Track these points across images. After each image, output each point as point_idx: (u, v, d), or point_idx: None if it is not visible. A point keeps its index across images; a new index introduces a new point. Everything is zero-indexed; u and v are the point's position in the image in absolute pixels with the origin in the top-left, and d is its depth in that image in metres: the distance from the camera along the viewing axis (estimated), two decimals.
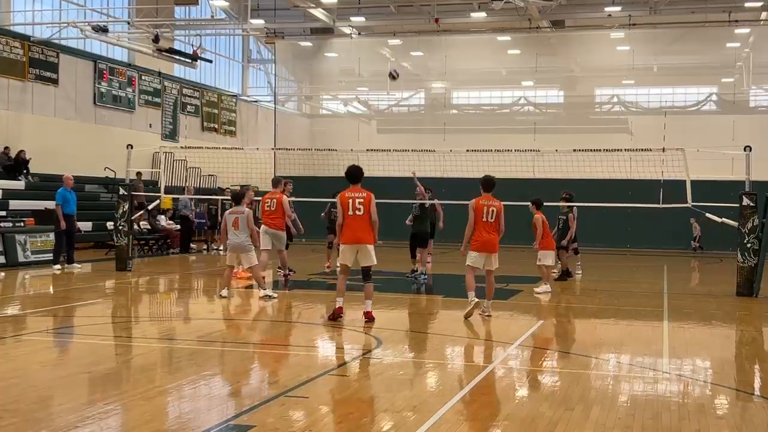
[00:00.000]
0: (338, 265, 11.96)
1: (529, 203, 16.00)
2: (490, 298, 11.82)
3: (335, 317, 11.05)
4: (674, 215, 26.35)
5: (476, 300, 11.45)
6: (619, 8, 30.21)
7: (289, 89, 37.47)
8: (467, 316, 11.40)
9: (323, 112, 38.49)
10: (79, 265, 18.54)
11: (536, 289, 15.21)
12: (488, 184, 11.84)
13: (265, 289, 13.55)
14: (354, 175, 11.38)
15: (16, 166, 23.83)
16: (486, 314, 11.65)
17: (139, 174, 24.68)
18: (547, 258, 15.54)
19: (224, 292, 13.68)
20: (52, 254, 18.59)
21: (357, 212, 11.04)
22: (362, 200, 11.08)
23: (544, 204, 16.03)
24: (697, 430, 6.29)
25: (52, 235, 19.92)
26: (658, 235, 28.65)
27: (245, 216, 13.62)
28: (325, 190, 18.87)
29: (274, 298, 13.44)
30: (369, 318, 11.01)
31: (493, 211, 11.54)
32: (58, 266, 18.10)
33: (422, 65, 35.52)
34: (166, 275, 18.76)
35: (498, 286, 16.08)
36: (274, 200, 15.11)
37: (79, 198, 25.12)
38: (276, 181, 15.92)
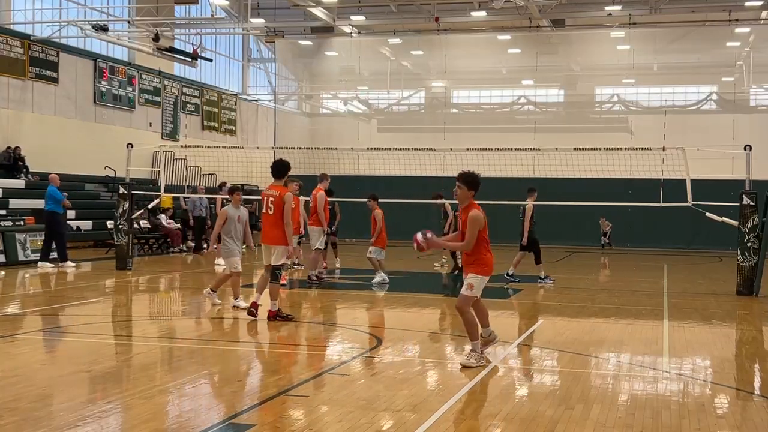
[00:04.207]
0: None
1: (367, 199, 16.31)
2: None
3: (252, 311, 11.10)
4: (674, 214, 26.39)
5: (487, 357, 8.69)
6: (619, 7, 30.22)
7: (289, 88, 37.46)
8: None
9: (323, 111, 38.48)
10: (74, 264, 18.50)
11: (375, 281, 15.67)
12: (477, 183, 8.78)
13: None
14: (276, 169, 11.18)
15: (14, 163, 23.81)
16: (494, 342, 9.11)
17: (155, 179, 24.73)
18: (379, 253, 15.96)
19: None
20: (42, 253, 18.53)
21: (268, 211, 11.00)
22: (274, 199, 11.00)
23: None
24: (698, 429, 6.28)
25: None
26: (658, 234, 28.65)
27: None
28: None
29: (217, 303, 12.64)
30: (271, 317, 11.04)
31: (486, 223, 8.67)
32: (50, 264, 18.17)
33: (422, 64, 35.50)
34: (166, 274, 18.76)
35: (497, 285, 16.16)
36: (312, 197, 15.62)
37: (79, 197, 25.25)
38: (322, 178, 16.14)
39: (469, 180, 8.75)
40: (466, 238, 8.47)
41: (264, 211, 11.09)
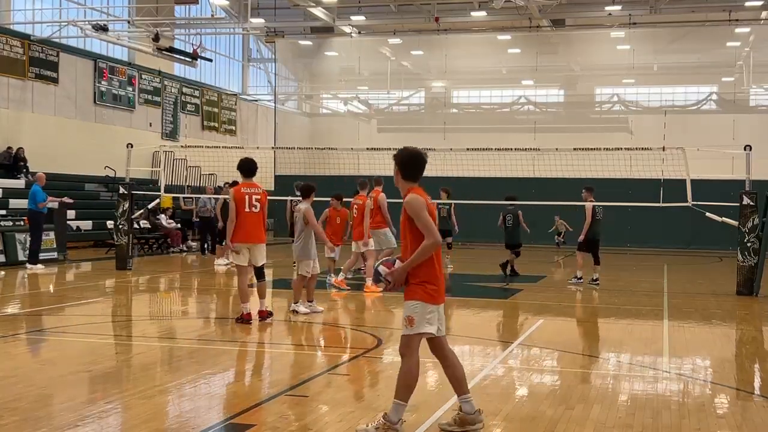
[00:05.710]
0: (233, 264, 11.10)
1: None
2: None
3: (246, 321, 10.70)
4: (674, 214, 26.42)
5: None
6: (619, 7, 30.23)
7: (289, 88, 37.47)
8: None
9: (323, 111, 38.50)
10: (42, 267, 18.10)
11: (333, 280, 15.20)
12: (414, 163, 6.05)
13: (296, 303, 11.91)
14: (249, 168, 10.93)
15: (15, 164, 23.82)
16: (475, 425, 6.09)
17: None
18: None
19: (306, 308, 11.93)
20: (31, 254, 18.36)
21: (253, 209, 10.75)
22: (259, 197, 10.80)
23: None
24: (698, 429, 6.28)
25: (52, 234, 19.87)
26: (658, 234, 28.65)
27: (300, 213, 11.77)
28: (325, 189, 18.88)
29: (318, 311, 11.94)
30: (264, 316, 10.95)
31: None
32: (40, 266, 18.14)
33: (422, 64, 35.51)
34: (165, 274, 18.76)
35: (498, 286, 16.15)
36: (371, 199, 15.50)
37: (79, 197, 25.24)
38: (377, 180, 16.21)
39: (404, 159, 6.05)
40: (423, 229, 5.86)
41: (247, 209, 10.67)
